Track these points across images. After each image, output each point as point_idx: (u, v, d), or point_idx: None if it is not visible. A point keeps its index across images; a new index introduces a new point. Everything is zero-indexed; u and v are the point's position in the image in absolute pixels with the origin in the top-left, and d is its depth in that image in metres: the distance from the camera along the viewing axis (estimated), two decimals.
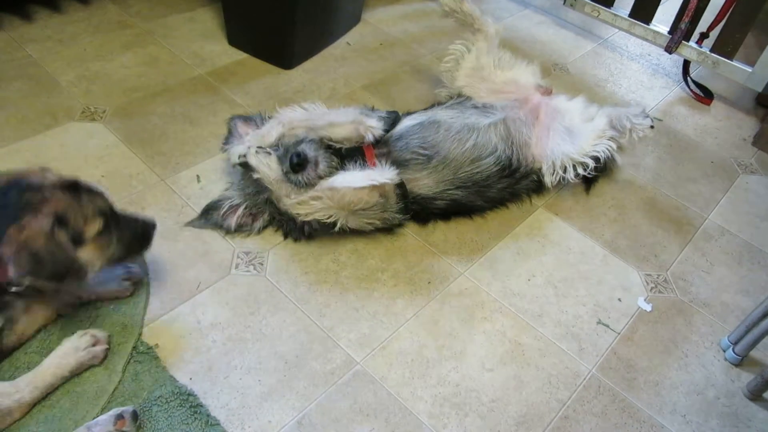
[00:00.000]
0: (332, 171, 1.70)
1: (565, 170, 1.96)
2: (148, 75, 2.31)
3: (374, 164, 1.74)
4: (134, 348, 1.46)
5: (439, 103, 2.11)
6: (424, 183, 1.81)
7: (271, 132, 1.71)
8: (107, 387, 1.37)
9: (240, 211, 1.75)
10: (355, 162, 1.74)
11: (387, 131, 1.81)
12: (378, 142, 1.79)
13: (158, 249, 1.70)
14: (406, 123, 1.90)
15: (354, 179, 1.64)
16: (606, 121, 2.03)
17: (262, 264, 1.72)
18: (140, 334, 1.49)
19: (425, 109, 2.06)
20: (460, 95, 2.12)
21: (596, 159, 1.96)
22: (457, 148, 1.84)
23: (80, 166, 1.90)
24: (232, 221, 1.75)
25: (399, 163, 1.78)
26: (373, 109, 1.92)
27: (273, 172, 1.67)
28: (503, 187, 1.94)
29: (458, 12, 2.15)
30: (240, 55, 2.50)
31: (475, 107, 2.01)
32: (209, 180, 1.93)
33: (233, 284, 1.66)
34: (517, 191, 2.00)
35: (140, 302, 1.55)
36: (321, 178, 1.68)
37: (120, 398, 1.36)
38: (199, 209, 1.82)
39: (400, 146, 1.81)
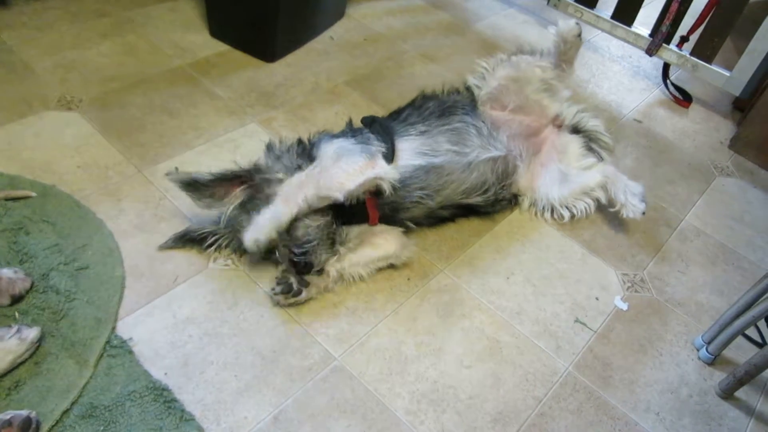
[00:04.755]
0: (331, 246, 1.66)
1: (543, 212, 2.01)
2: (127, 65, 2.27)
3: (376, 223, 1.71)
4: (107, 342, 1.43)
5: (430, 97, 1.96)
6: (417, 214, 1.81)
7: (286, 213, 1.52)
8: (78, 381, 1.34)
9: (225, 247, 1.69)
10: (359, 223, 1.70)
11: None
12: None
13: (135, 241, 1.67)
14: (406, 160, 1.74)
15: (370, 263, 1.70)
16: (600, 180, 1.98)
17: (240, 258, 1.70)
18: (114, 328, 1.47)
19: (417, 107, 1.91)
20: (473, 100, 2.00)
21: (571, 214, 1.99)
22: (455, 188, 1.82)
23: (55, 156, 1.86)
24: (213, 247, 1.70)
25: (399, 209, 1.75)
26: (369, 135, 1.76)
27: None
28: (485, 204, 1.94)
29: (565, 45, 2.05)
30: (221, 47, 2.47)
31: (480, 134, 1.88)
32: None
33: (211, 278, 1.64)
34: (499, 197, 1.98)
35: (115, 295, 1.53)
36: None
37: (92, 392, 1.33)
38: (177, 202, 1.79)
39: (402, 195, 1.73)
